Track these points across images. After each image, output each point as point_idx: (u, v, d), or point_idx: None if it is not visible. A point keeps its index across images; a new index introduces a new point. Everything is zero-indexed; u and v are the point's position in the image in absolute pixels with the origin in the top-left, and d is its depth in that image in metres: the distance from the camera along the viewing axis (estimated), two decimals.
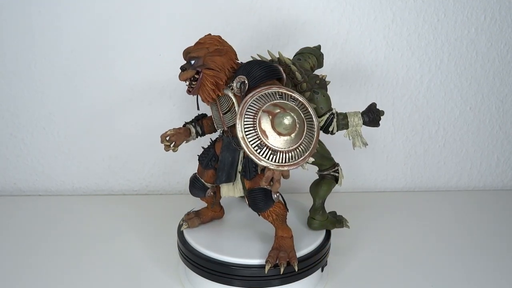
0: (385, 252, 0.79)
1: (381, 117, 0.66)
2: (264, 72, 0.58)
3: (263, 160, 0.54)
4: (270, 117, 0.55)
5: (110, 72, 0.93)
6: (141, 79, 0.94)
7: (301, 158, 0.56)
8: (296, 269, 0.60)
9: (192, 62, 0.59)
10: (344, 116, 0.65)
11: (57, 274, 0.71)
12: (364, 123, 0.65)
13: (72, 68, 0.93)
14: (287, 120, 0.55)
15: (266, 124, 0.55)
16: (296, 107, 0.56)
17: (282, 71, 0.61)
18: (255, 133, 0.55)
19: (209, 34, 0.62)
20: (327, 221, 0.71)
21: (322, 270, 0.69)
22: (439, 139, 1.04)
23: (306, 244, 0.66)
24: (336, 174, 0.70)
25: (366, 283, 0.71)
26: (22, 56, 0.92)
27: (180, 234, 0.69)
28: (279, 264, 0.60)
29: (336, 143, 0.73)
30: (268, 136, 0.55)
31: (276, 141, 0.55)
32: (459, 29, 0.96)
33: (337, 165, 0.70)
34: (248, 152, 0.54)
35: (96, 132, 0.97)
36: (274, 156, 0.55)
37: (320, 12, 0.92)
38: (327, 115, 0.64)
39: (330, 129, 0.64)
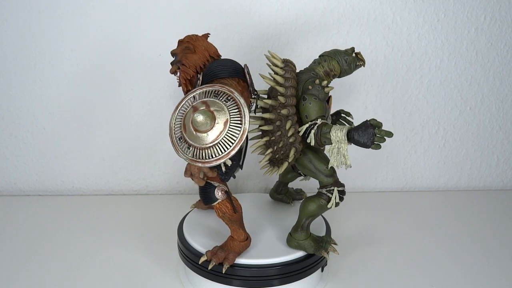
0: (385, 252, 0.79)
1: (386, 138, 0.54)
2: (216, 70, 0.60)
3: (180, 151, 0.56)
4: (194, 113, 0.55)
5: (110, 72, 0.93)
6: (141, 79, 0.94)
7: (214, 158, 0.55)
8: (224, 271, 0.60)
9: (174, 58, 0.64)
10: (329, 129, 0.56)
11: (57, 273, 0.71)
12: (351, 141, 0.54)
13: (72, 68, 0.93)
14: (198, 117, 0.54)
15: (189, 119, 0.55)
16: (225, 107, 0.55)
17: (245, 71, 0.62)
18: (179, 126, 0.56)
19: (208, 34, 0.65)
20: (304, 242, 0.63)
21: (322, 270, 0.69)
22: (439, 139, 1.04)
23: None
24: (329, 195, 0.61)
25: (366, 283, 0.71)
26: (22, 56, 0.92)
27: (180, 234, 0.69)
28: (212, 260, 0.61)
29: None
30: (186, 130, 0.55)
31: (191, 136, 0.55)
32: (459, 29, 0.96)
33: (340, 185, 0.62)
34: (171, 142, 0.56)
35: (96, 132, 0.97)
36: (189, 150, 0.55)
37: (320, 12, 0.92)
38: (306, 125, 0.58)
39: (308, 140, 0.58)
